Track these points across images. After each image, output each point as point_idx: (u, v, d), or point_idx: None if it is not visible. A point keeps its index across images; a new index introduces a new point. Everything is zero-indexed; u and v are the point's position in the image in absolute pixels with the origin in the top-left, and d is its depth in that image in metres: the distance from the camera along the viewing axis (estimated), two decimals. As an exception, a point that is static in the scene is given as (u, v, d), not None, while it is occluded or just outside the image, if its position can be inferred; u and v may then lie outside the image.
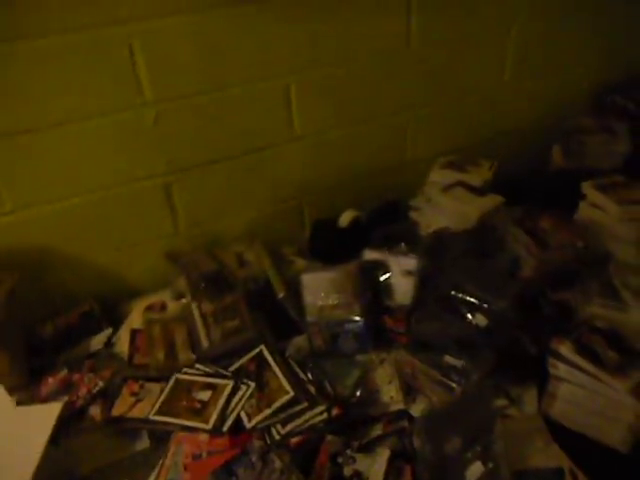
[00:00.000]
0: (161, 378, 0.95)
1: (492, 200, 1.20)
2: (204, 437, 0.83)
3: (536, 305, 1.03)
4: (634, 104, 1.40)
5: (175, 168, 1.13)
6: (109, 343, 1.08)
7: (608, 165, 1.30)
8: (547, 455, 0.84)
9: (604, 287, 0.97)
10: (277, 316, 1.07)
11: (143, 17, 0.97)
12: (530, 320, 0.98)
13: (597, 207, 1.15)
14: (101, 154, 1.06)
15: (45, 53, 0.93)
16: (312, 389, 0.89)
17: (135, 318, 1.12)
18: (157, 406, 0.89)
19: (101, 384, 0.96)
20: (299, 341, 1.03)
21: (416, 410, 0.90)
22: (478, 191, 1.22)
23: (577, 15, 1.39)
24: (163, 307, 1.14)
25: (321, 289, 1.02)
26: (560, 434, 0.87)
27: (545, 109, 1.47)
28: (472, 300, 0.92)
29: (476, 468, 0.78)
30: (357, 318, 0.99)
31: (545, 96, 1.47)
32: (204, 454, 0.81)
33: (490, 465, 0.78)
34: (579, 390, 0.85)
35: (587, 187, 1.17)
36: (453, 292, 0.94)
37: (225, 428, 0.84)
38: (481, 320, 0.90)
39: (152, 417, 0.88)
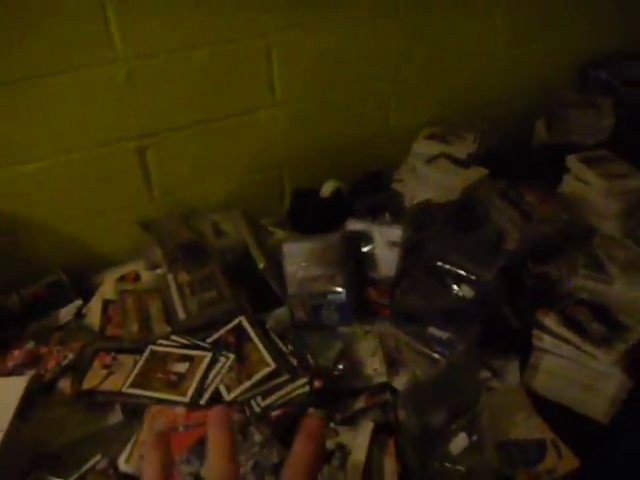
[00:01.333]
0: (135, 350, 0.91)
1: (476, 172, 1.17)
2: (180, 410, 0.80)
3: (519, 278, 1.02)
4: (619, 80, 1.39)
5: (149, 131, 1.07)
6: (79, 315, 1.03)
7: (592, 140, 1.29)
8: (529, 427, 0.84)
9: (589, 260, 0.96)
10: (257, 287, 1.03)
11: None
12: (513, 293, 0.97)
13: (581, 181, 1.14)
14: (70, 113, 0.99)
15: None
16: (294, 361, 0.87)
17: (107, 289, 1.06)
18: (131, 378, 0.85)
19: (71, 356, 0.91)
20: (280, 313, 0.99)
21: (399, 383, 0.88)
22: (462, 163, 1.20)
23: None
24: (137, 278, 1.09)
25: (303, 259, 0.99)
26: (542, 406, 0.87)
27: (531, 83, 1.45)
28: (459, 271, 0.90)
29: (461, 440, 0.76)
30: (339, 289, 0.96)
31: (532, 70, 1.44)
32: (181, 428, 0.78)
33: (475, 437, 0.77)
34: (563, 362, 0.84)
35: (572, 161, 1.16)
36: (439, 263, 0.92)
37: (203, 401, 0.80)
38: (467, 292, 0.89)
39: (125, 390, 0.84)
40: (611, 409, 0.83)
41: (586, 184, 1.12)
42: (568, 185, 1.16)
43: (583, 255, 0.97)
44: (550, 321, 0.86)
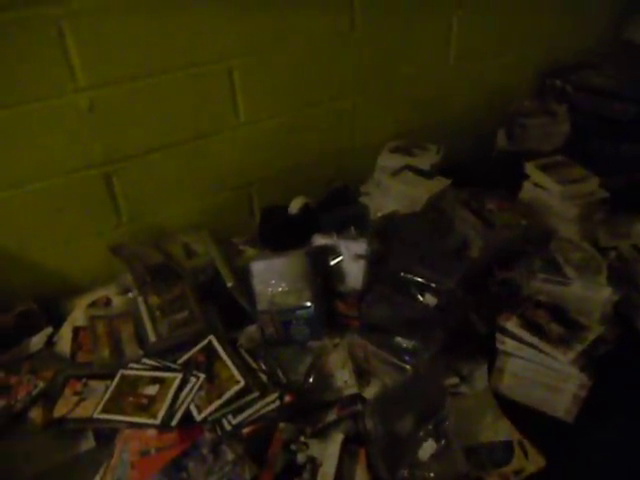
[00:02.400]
0: (106, 375, 0.91)
1: (440, 182, 1.20)
2: (152, 433, 0.80)
3: (484, 284, 1.05)
4: (572, 87, 1.44)
5: (114, 157, 1.08)
6: (50, 343, 1.02)
7: (550, 146, 1.33)
8: (497, 429, 0.86)
9: (547, 263, 0.99)
10: (228, 306, 1.04)
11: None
12: (479, 299, 1.00)
13: (540, 187, 1.18)
14: (36, 144, 1.00)
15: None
16: (264, 378, 0.88)
17: (78, 315, 1.06)
18: (102, 404, 0.85)
19: (41, 385, 0.91)
20: (251, 330, 1.01)
21: (369, 393, 0.89)
22: (426, 174, 1.23)
23: (520, 1, 1.42)
24: (108, 303, 1.10)
25: (271, 277, 1.00)
26: (509, 408, 0.89)
27: (491, 93, 1.49)
28: (421, 280, 0.92)
29: (429, 446, 0.78)
30: (308, 304, 0.98)
31: (490, 80, 1.49)
32: (152, 450, 0.78)
33: (442, 442, 0.79)
34: (525, 363, 0.87)
35: (530, 167, 1.20)
36: (403, 273, 0.94)
37: (174, 422, 0.81)
38: (430, 300, 0.91)
39: (97, 416, 0.84)
40: (574, 407, 0.85)
41: (544, 189, 1.16)
42: (528, 191, 1.20)
43: (541, 259, 1.00)
44: (511, 325, 0.88)
